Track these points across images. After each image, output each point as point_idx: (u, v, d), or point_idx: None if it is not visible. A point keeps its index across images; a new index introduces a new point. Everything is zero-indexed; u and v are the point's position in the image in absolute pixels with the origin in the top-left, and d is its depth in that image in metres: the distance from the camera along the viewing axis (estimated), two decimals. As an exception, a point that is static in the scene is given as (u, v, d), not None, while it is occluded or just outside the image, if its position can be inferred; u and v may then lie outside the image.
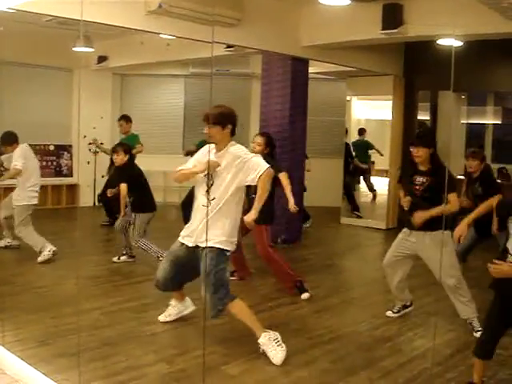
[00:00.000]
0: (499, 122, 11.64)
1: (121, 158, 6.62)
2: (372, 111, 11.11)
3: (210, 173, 4.19)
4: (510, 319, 3.44)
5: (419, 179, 4.78)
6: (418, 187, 4.77)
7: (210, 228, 4.11)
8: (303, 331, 4.74)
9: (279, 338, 4.19)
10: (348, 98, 10.71)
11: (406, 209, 4.90)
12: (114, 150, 6.74)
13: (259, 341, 4.17)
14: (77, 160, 11.09)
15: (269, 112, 8.53)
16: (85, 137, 10.10)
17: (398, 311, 5.24)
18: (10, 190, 7.35)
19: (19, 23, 8.47)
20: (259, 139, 5.94)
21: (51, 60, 10.09)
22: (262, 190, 4.18)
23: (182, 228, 4.46)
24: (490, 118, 11.40)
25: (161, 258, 6.30)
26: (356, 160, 10.76)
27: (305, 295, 5.70)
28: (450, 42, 7.37)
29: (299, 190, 8.59)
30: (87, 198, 11.27)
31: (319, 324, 5.01)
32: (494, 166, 9.60)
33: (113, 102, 11.84)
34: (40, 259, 6.70)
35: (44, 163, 10.73)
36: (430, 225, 4.65)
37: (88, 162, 10.75)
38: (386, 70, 9.61)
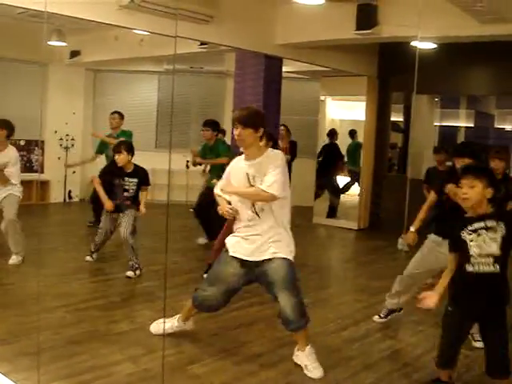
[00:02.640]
0: (472, 125, 11.75)
1: (123, 158, 6.20)
2: (346, 111, 11.12)
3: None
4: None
5: None
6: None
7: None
8: (272, 331, 4.71)
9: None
10: (322, 97, 10.69)
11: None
12: (115, 150, 6.28)
13: (299, 352, 4.11)
14: (47, 156, 10.91)
15: (242, 110, 8.46)
16: (56, 132, 9.97)
17: (386, 316, 5.14)
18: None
19: (-10, 15, 8.36)
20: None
21: (23, 54, 9.93)
22: (250, 194, 3.94)
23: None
24: (462, 121, 11.49)
25: (137, 271, 6.20)
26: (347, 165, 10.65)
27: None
28: (422, 44, 7.40)
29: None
30: (57, 194, 11.14)
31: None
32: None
33: (85, 97, 11.71)
34: (12, 262, 6.39)
35: (14, 158, 10.58)
36: None
37: (59, 158, 10.62)
38: (360, 71, 9.63)
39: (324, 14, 7.22)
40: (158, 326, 4.49)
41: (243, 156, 4.04)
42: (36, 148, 10.99)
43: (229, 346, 4.33)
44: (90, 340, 4.33)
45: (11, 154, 6.47)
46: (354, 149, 10.45)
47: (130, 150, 6.26)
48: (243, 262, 4.05)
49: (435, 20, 6.24)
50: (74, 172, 11.19)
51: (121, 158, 6.20)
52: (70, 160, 10.36)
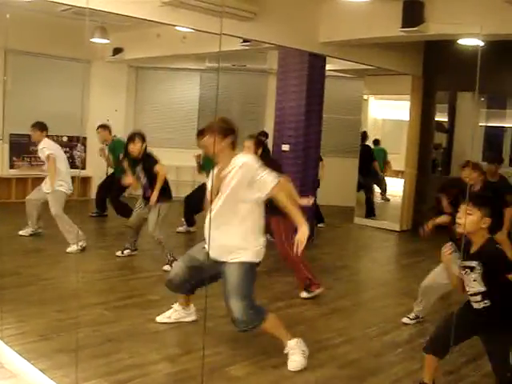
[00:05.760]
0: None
1: (138, 148, 6.44)
2: (389, 111, 10.96)
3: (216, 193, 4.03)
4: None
5: None
6: None
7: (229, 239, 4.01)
8: (312, 334, 4.62)
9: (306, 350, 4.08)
10: (365, 97, 10.57)
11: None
12: (130, 139, 6.52)
13: (288, 343, 4.04)
14: (89, 152, 11.00)
15: (284, 108, 8.40)
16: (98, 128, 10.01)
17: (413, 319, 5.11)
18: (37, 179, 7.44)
19: (34, 12, 8.45)
20: (248, 143, 5.64)
21: (66, 51, 10.01)
22: (284, 202, 3.96)
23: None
24: (509, 122, 11.19)
25: (171, 260, 6.25)
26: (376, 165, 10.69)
27: (303, 294, 5.64)
28: (473, 41, 7.20)
29: (313, 188, 8.48)
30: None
31: (329, 327, 4.89)
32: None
33: (127, 94, 11.77)
34: (69, 250, 6.81)
35: (57, 154, 10.69)
36: None
37: (100, 155, 10.67)
38: (404, 70, 9.45)
39: (368, 12, 7.08)
40: (162, 318, 4.72)
41: None
42: (78, 144, 11.09)
43: (268, 349, 4.25)
44: (128, 338, 4.30)
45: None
46: (378, 155, 10.61)
47: (144, 141, 6.53)
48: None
49: (484, 17, 6.07)
50: (116, 168, 11.25)
51: (137, 148, 6.46)
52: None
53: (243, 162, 3.94)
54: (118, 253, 6.83)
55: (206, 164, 7.60)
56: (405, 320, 5.09)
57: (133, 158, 6.53)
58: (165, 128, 11.42)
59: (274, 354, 4.16)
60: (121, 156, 8.32)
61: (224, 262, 4.00)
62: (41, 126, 7.23)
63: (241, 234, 4.00)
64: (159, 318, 4.69)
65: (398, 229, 9.84)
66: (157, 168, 6.38)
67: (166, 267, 6.22)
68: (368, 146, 10.55)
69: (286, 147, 8.17)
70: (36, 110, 10.11)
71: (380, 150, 10.67)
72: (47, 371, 3.57)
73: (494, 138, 11.32)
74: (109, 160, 9.07)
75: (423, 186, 9.96)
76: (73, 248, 6.79)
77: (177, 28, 7.72)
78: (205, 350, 4.09)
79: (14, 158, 10.23)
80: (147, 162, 6.47)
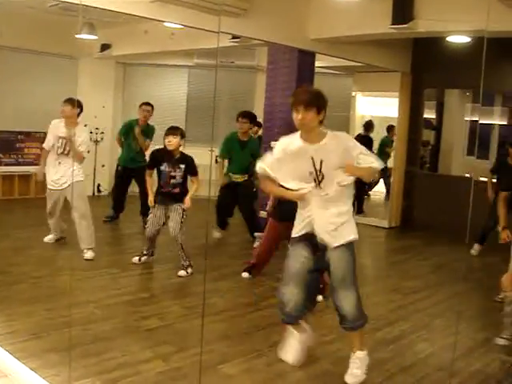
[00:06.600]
0: (505, 123, 11.49)
1: (177, 142, 6.01)
2: (376, 108, 10.97)
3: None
4: None
5: None
6: None
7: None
8: (303, 331, 4.61)
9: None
10: (353, 93, 10.57)
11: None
12: (170, 130, 6.05)
13: (356, 354, 3.81)
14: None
15: (273, 105, 8.39)
16: (86, 125, 9.92)
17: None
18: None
19: (22, 8, 8.36)
20: None
21: (54, 47, 9.95)
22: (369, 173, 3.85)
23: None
24: (496, 119, 11.24)
25: (187, 265, 6.01)
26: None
27: (245, 274, 6.05)
28: (461, 39, 7.23)
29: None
30: (86, 187, 11.11)
31: (321, 324, 4.87)
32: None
33: (115, 91, 11.69)
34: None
35: (44, 151, 10.62)
36: None
37: (88, 151, 10.60)
38: (393, 67, 9.46)
39: (358, 8, 7.08)
40: (293, 353, 3.93)
41: (297, 136, 3.85)
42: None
43: (260, 346, 4.24)
44: (120, 336, 4.27)
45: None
46: (386, 145, 10.40)
47: (183, 136, 6.14)
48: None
49: (474, 15, 6.08)
50: (104, 166, 11.20)
51: (175, 142, 6.01)
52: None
53: (335, 134, 3.86)
54: (135, 259, 6.39)
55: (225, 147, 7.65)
56: (499, 341, 4.52)
57: (166, 151, 6.08)
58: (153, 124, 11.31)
59: (267, 352, 4.16)
60: (148, 142, 8.28)
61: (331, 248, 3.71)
62: (79, 105, 6.85)
63: (347, 211, 3.79)
64: (293, 361, 3.92)
65: (386, 225, 9.86)
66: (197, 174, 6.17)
67: (182, 273, 5.97)
68: (370, 137, 10.34)
69: (275, 144, 8.17)
70: (23, 106, 10.05)
71: (389, 140, 10.45)
72: (39, 370, 3.54)
73: (481, 135, 11.37)
74: (140, 138, 8.45)
75: (412, 183, 9.99)
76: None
77: (166, 24, 7.68)
78: (197, 348, 4.08)
79: (1, 155, 10.14)
80: (190, 163, 6.11)
